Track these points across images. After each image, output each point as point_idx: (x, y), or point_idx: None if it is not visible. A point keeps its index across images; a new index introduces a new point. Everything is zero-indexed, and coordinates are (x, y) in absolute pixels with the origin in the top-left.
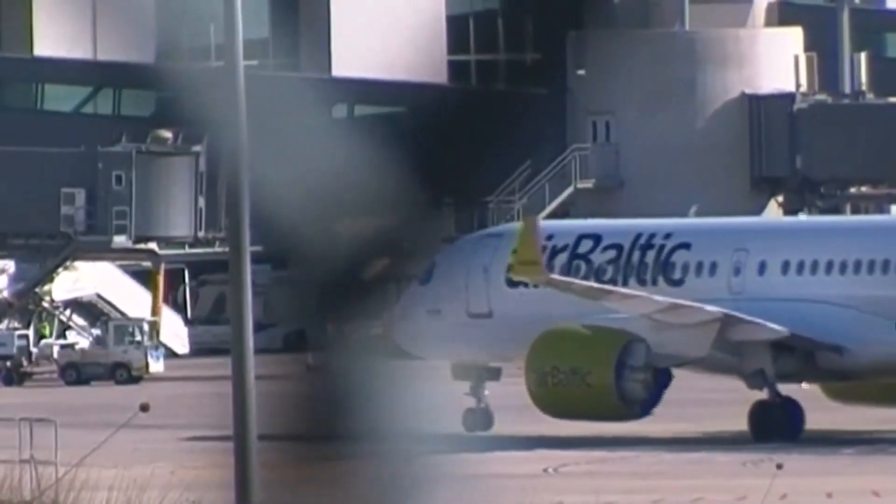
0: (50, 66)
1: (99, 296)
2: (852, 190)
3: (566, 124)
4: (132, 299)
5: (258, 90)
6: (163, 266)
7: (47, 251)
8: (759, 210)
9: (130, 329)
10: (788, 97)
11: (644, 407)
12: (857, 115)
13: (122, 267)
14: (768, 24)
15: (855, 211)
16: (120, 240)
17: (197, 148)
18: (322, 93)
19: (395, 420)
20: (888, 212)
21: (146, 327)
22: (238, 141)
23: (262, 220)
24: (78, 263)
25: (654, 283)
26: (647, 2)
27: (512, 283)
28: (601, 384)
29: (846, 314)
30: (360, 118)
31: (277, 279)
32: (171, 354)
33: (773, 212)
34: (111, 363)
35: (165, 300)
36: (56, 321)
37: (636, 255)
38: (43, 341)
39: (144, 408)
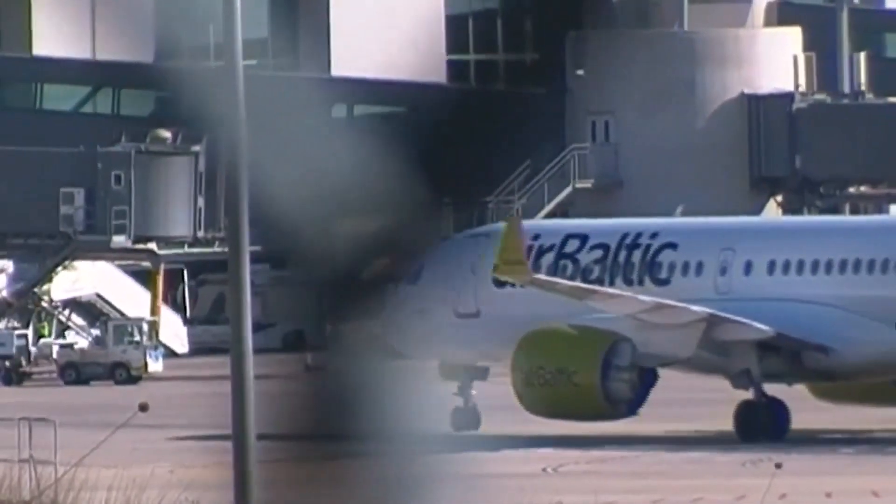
0: (49, 66)
1: (98, 295)
2: (852, 190)
3: (565, 124)
4: (131, 299)
5: (257, 90)
6: (162, 266)
7: (46, 251)
8: (758, 210)
9: (130, 329)
10: (788, 97)
11: (630, 407)
12: (856, 115)
13: (121, 267)
14: (767, 23)
15: (854, 211)
16: (119, 239)
17: (196, 148)
18: (321, 92)
19: (394, 420)
20: (887, 212)
21: (145, 327)
22: (237, 141)
23: (261, 220)
24: (77, 263)
25: (641, 282)
26: (646, 2)
27: (499, 283)
28: (587, 384)
29: (832, 314)
30: (360, 118)
31: (277, 279)
32: (170, 354)
33: (772, 212)
34: (110, 363)
35: (165, 300)
36: (55, 321)
37: (622, 255)
38: (42, 341)
39: (143, 407)
